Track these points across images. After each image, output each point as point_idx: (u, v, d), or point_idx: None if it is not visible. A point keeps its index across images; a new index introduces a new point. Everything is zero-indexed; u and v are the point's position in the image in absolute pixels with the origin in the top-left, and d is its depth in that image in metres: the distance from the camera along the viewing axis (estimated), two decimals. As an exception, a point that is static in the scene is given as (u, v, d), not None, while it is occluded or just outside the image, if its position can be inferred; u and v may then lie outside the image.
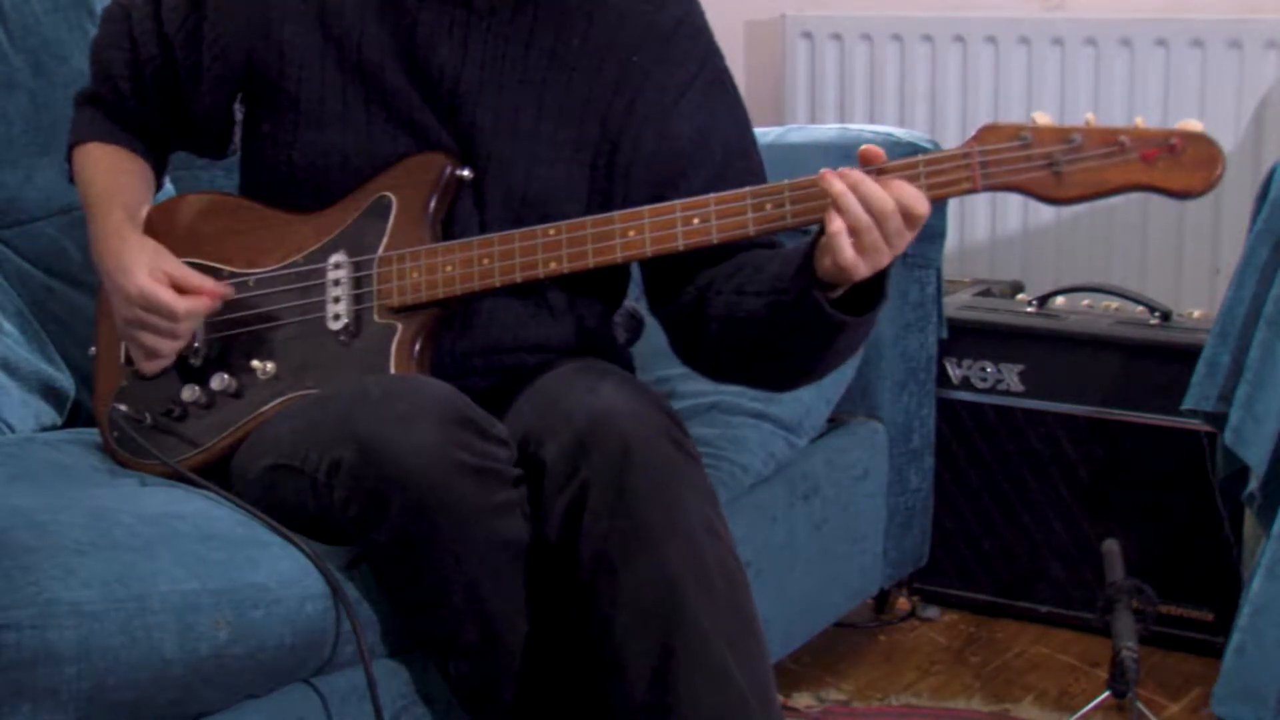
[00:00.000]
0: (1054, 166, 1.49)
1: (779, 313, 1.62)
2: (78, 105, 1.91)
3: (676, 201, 1.61)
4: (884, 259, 1.53)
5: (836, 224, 1.51)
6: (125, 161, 1.87)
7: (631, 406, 1.57)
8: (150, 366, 1.78)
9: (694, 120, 1.76)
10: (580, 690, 1.58)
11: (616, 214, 1.64)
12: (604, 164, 1.76)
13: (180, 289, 1.72)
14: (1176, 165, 1.46)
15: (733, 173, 1.73)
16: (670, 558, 1.52)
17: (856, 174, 1.52)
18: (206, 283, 1.74)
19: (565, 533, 1.54)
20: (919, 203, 1.51)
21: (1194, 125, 1.47)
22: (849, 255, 1.51)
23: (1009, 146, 1.50)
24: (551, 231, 1.65)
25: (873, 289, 1.59)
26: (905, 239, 1.53)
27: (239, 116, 1.86)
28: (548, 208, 1.72)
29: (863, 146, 1.54)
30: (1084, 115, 1.52)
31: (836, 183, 1.52)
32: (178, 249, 1.80)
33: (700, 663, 1.52)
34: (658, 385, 2.10)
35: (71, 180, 1.90)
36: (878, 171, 1.52)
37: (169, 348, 1.75)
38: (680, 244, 1.61)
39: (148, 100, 1.86)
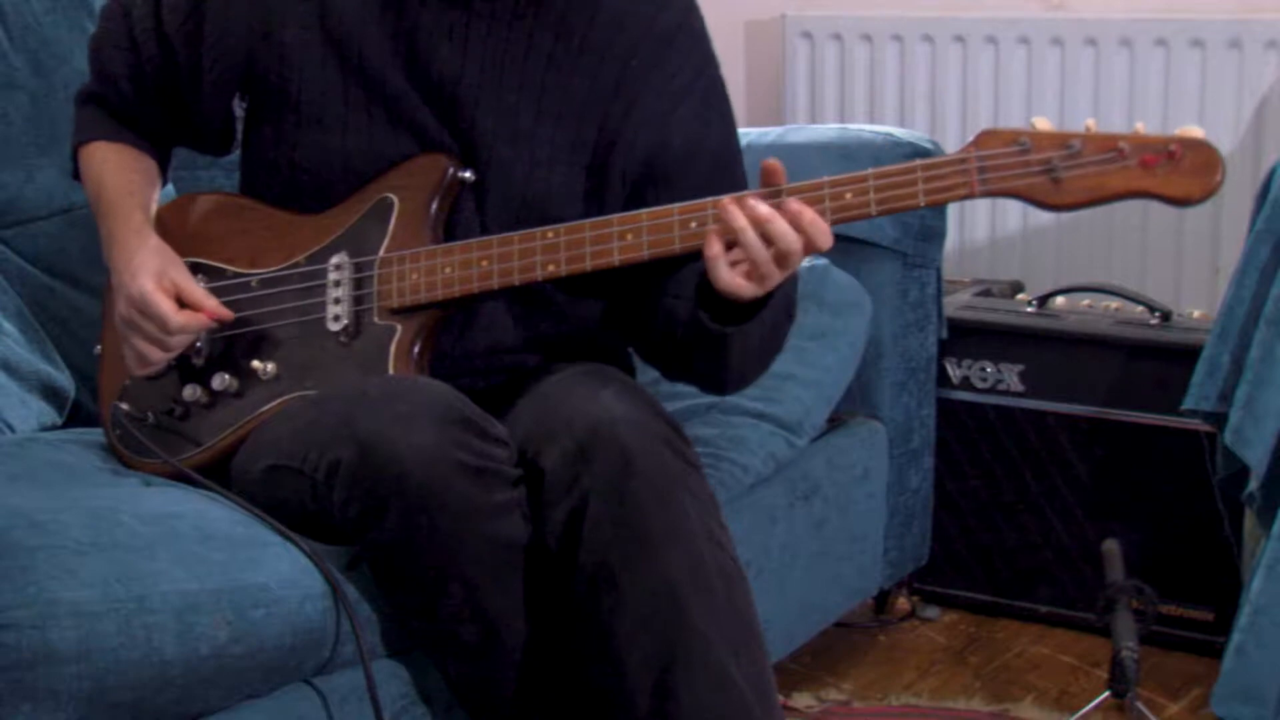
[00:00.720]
0: (1052, 173, 1.49)
1: (692, 321, 1.65)
2: (79, 104, 1.91)
3: (674, 205, 1.61)
4: (774, 283, 1.56)
5: (714, 249, 1.55)
6: (132, 159, 1.87)
7: (632, 414, 1.57)
8: (138, 370, 1.78)
9: (689, 127, 1.77)
10: (581, 690, 1.58)
11: (614, 217, 1.64)
12: (599, 164, 1.76)
13: (182, 302, 1.72)
14: (1176, 172, 1.46)
15: (717, 184, 1.73)
16: (671, 565, 1.52)
17: (762, 209, 1.53)
18: (209, 301, 1.73)
19: (566, 540, 1.54)
20: (824, 238, 1.53)
21: (1194, 131, 1.46)
22: (726, 279, 1.55)
23: (1007, 152, 1.50)
24: (550, 234, 1.65)
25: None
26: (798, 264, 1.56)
27: (239, 113, 1.86)
28: (547, 210, 1.72)
29: (765, 162, 1.56)
30: (1084, 115, 1.53)
31: (738, 217, 1.54)
32: (183, 248, 1.81)
33: (702, 668, 1.52)
34: (658, 386, 2.10)
35: (77, 179, 1.90)
36: (776, 194, 1.55)
37: (157, 357, 1.75)
38: (677, 247, 1.61)
39: (149, 99, 1.86)
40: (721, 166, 1.78)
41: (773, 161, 1.56)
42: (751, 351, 1.68)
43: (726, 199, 1.56)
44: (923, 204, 1.54)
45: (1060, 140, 1.49)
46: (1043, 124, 1.51)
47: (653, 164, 1.75)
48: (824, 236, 1.54)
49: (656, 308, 1.72)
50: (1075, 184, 1.49)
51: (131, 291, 1.72)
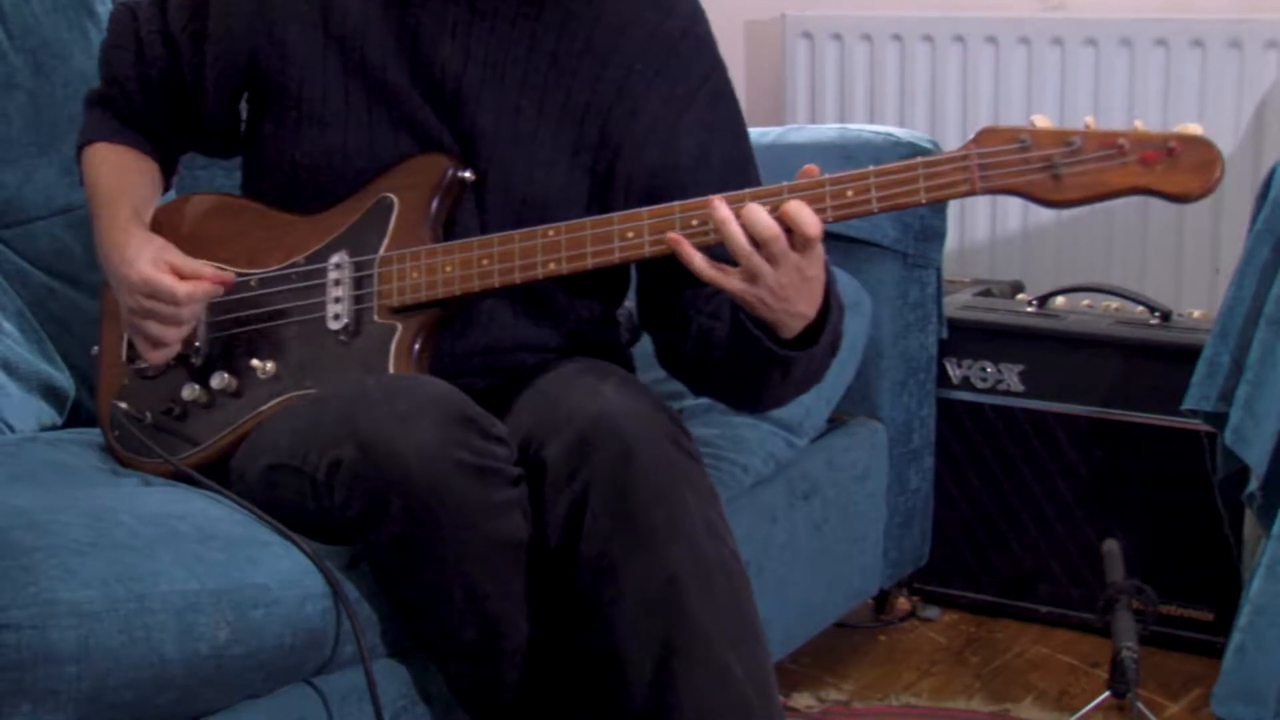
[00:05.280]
0: (1053, 169, 1.49)
1: (735, 341, 1.65)
2: (88, 106, 1.91)
3: (675, 203, 1.61)
4: (767, 280, 1.55)
5: (682, 250, 1.56)
6: (132, 161, 1.88)
7: (632, 408, 1.57)
8: (156, 356, 1.77)
9: (695, 135, 1.76)
10: (581, 690, 1.58)
11: (615, 215, 1.64)
12: (604, 170, 1.76)
13: (182, 275, 1.73)
14: (1175, 169, 1.46)
15: (731, 188, 1.73)
16: (671, 558, 1.52)
17: (750, 205, 1.54)
18: (207, 269, 1.74)
19: (566, 534, 1.55)
20: (809, 226, 1.53)
21: (1193, 129, 1.47)
22: (709, 274, 1.56)
23: (1008, 149, 1.51)
24: (550, 232, 1.65)
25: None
26: (801, 267, 1.55)
27: (245, 115, 1.86)
28: (547, 210, 1.72)
29: (805, 168, 1.57)
30: (1084, 115, 1.52)
31: (720, 209, 1.55)
32: (182, 249, 1.80)
33: (701, 662, 1.52)
34: (658, 385, 2.10)
35: (81, 181, 1.90)
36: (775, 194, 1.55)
37: (173, 335, 1.75)
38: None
39: (155, 100, 1.87)
40: (731, 173, 1.76)
41: (811, 168, 1.57)
42: (792, 380, 1.68)
43: (716, 197, 1.57)
44: (924, 201, 1.54)
45: (1060, 137, 1.49)
46: (1042, 121, 1.51)
47: (660, 173, 1.75)
48: (808, 224, 1.53)
49: (688, 324, 1.73)
50: (1075, 181, 1.49)
51: (133, 279, 1.72)
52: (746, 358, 1.66)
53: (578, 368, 1.70)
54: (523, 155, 1.75)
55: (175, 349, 1.77)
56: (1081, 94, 2.85)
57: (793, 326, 1.60)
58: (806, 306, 1.59)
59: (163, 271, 1.72)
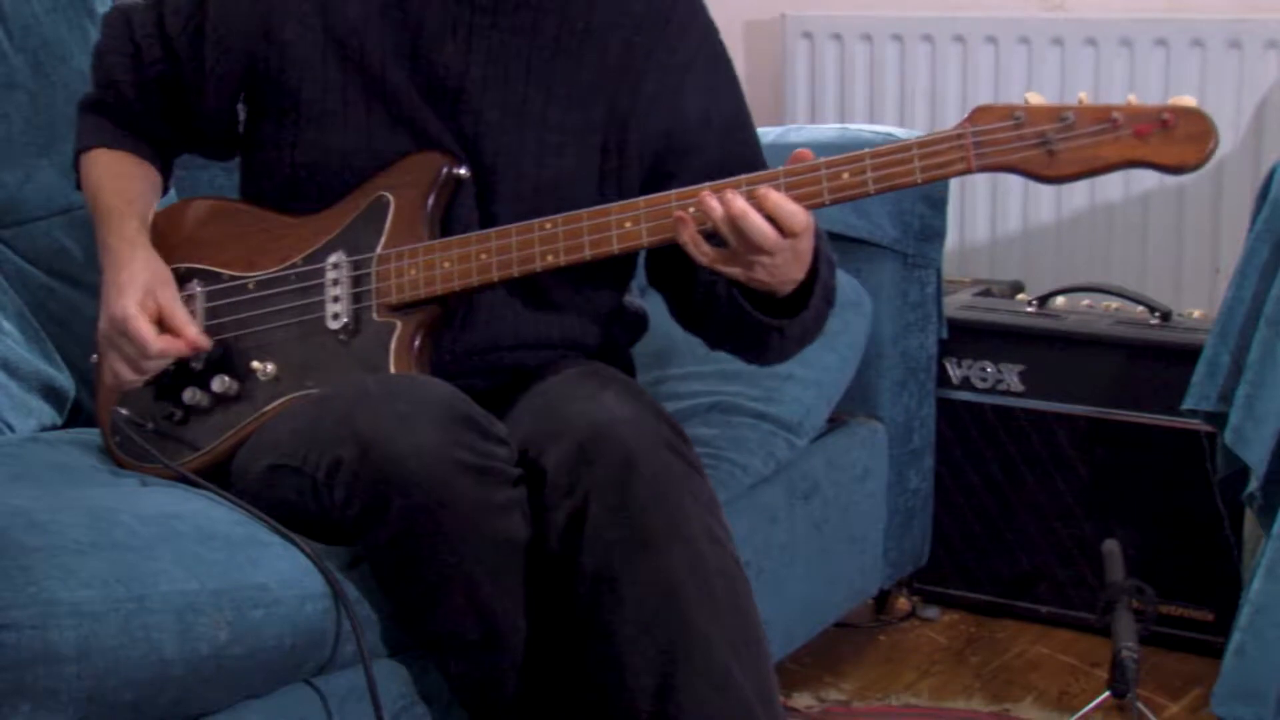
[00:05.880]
0: (1047, 145, 1.50)
1: (731, 314, 1.68)
2: (82, 111, 1.91)
3: (671, 191, 1.62)
4: (762, 270, 1.58)
5: (685, 235, 1.58)
6: (133, 168, 1.87)
7: (633, 416, 1.58)
8: (112, 386, 1.77)
9: (698, 99, 1.79)
10: (582, 690, 1.58)
11: (613, 205, 1.65)
12: (615, 146, 1.77)
13: (163, 326, 1.72)
14: (1170, 140, 1.47)
15: (734, 147, 1.78)
16: (672, 566, 1.53)
17: (738, 203, 1.55)
18: (189, 329, 1.72)
19: (567, 542, 1.55)
20: (794, 219, 1.55)
21: (1186, 100, 1.47)
22: (705, 263, 1.58)
23: (1002, 126, 1.51)
24: (548, 225, 1.66)
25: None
26: (794, 246, 1.57)
27: (243, 116, 1.86)
28: (560, 195, 1.73)
29: (796, 152, 1.58)
30: (1080, 108, 1.52)
31: (715, 209, 1.56)
32: (180, 254, 1.81)
33: (703, 669, 1.52)
34: (658, 386, 2.10)
35: (79, 187, 1.89)
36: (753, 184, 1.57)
37: (130, 378, 1.74)
38: (676, 233, 1.62)
39: (152, 104, 1.86)
40: (734, 132, 1.81)
41: (803, 151, 1.58)
42: (792, 339, 1.72)
43: (706, 191, 1.57)
44: (920, 181, 1.54)
45: (1054, 113, 1.50)
46: (1036, 99, 1.51)
47: (669, 139, 1.77)
48: (793, 218, 1.55)
49: (695, 280, 1.75)
50: (1070, 155, 1.49)
51: (114, 311, 1.71)
52: (745, 327, 1.69)
53: (578, 372, 1.70)
54: (532, 144, 1.75)
55: (134, 386, 1.76)
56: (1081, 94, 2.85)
57: (785, 289, 1.64)
58: (798, 273, 1.63)
59: (145, 315, 1.70)
